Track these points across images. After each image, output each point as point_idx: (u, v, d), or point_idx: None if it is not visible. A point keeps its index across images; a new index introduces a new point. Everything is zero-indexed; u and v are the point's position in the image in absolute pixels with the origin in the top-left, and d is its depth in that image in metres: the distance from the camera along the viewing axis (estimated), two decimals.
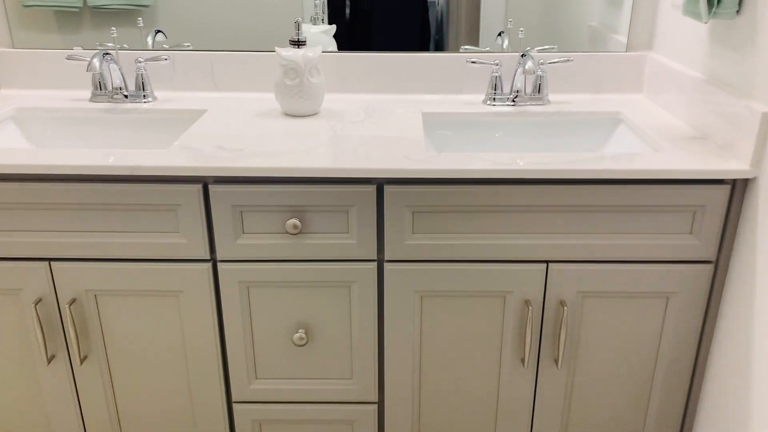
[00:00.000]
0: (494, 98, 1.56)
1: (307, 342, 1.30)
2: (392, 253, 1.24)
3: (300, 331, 1.29)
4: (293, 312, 1.29)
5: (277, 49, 1.43)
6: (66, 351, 1.32)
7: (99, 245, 1.24)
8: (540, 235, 1.23)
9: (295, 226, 1.20)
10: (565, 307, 1.25)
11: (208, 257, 1.25)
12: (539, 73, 1.54)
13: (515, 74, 1.55)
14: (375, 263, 1.25)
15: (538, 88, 1.56)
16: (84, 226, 1.23)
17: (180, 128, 1.52)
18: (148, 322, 1.30)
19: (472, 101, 1.59)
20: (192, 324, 1.30)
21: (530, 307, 1.25)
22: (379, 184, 1.21)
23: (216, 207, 1.21)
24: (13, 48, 1.63)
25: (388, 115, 1.48)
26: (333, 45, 1.65)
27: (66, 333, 1.30)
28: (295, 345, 1.30)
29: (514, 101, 1.56)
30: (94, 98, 1.58)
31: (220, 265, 1.25)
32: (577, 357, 1.32)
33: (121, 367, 1.34)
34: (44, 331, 1.30)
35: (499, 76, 1.56)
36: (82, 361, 1.32)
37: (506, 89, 1.59)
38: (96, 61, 1.47)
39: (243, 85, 1.64)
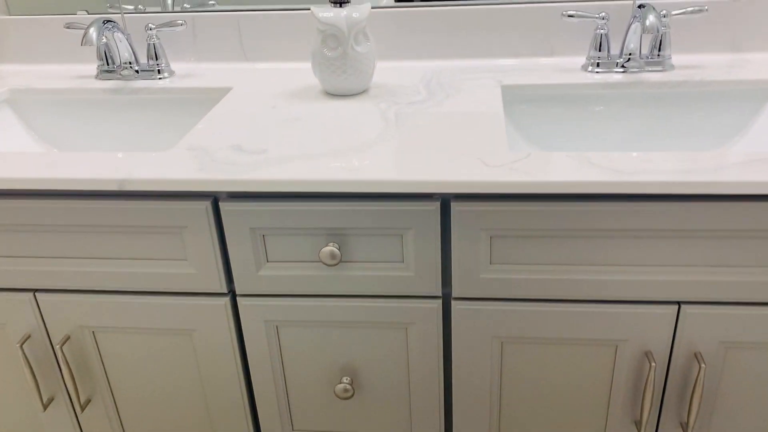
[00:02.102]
0: (597, 63, 1.19)
1: (353, 394, 1.02)
2: (463, 288, 0.92)
3: (345, 380, 1.01)
4: (335, 357, 1.01)
5: (312, 9, 1.11)
6: (66, 392, 1.10)
7: (91, 275, 0.98)
8: (670, 268, 0.88)
9: (332, 256, 0.90)
10: (702, 364, 0.91)
11: (225, 290, 0.98)
12: (662, 28, 1.15)
13: (627, 30, 1.16)
14: (439, 301, 0.94)
15: (658, 47, 1.17)
16: (72, 251, 0.97)
17: (198, 113, 1.24)
18: (159, 364, 1.05)
19: (568, 67, 1.22)
20: (211, 367, 1.04)
21: (652, 362, 0.92)
22: (445, 199, 0.89)
23: (230, 229, 0.92)
24: (9, 15, 1.37)
25: (456, 91, 1.14)
26: None
27: (63, 374, 1.07)
28: (339, 398, 1.02)
29: (624, 67, 1.18)
30: (100, 75, 1.31)
31: (240, 300, 0.98)
32: (712, 424, 0.98)
33: (132, 413, 1.11)
34: (38, 371, 1.08)
35: (606, 34, 1.18)
36: (83, 406, 1.09)
37: (614, 50, 1.21)
38: (93, 33, 1.19)
39: (278, 53, 1.32)
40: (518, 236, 0.88)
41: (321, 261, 0.92)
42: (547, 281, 0.90)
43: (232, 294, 0.99)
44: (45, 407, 1.08)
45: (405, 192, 0.86)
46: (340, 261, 0.92)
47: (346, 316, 0.96)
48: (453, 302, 0.94)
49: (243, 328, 1.00)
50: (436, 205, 0.87)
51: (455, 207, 0.87)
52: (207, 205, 0.91)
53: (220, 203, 0.91)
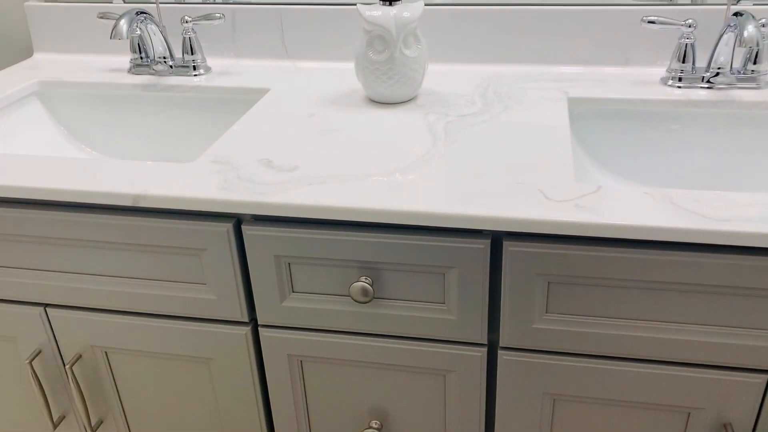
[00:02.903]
0: (680, 77, 1.04)
1: None
2: (512, 337, 0.81)
3: (373, 424, 0.91)
4: (364, 398, 0.91)
5: (359, 6, 0.99)
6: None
7: (104, 293, 0.90)
8: (759, 332, 0.75)
9: (364, 293, 0.79)
10: None
11: (247, 319, 0.88)
12: (762, 41, 0.99)
13: (718, 41, 1.01)
14: (484, 349, 0.83)
15: (753, 60, 1.02)
16: (84, 266, 0.90)
17: (231, 115, 1.14)
18: (174, 390, 0.97)
19: (644, 79, 1.08)
20: (229, 399, 0.95)
21: None
22: (496, 237, 0.77)
23: (253, 255, 0.83)
24: (46, 2, 1.30)
25: (516, 102, 1.01)
26: None
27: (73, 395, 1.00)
28: None
29: (710, 82, 1.03)
30: (133, 69, 1.23)
31: (262, 331, 0.88)
32: None
33: None
34: (49, 387, 1.01)
35: (692, 44, 1.03)
36: (95, 428, 1.02)
37: (699, 62, 1.06)
38: (123, 25, 1.10)
39: (322, 52, 1.22)
40: (581, 284, 0.76)
41: (351, 296, 0.81)
42: (611, 336, 0.78)
43: (254, 323, 0.89)
44: (55, 426, 1.02)
45: (451, 227, 0.74)
46: (373, 297, 0.82)
47: (377, 357, 0.86)
48: (500, 352, 0.82)
49: (264, 360, 0.90)
50: (485, 243, 0.76)
51: (508, 246, 0.75)
52: (228, 227, 0.81)
53: (242, 226, 0.81)
